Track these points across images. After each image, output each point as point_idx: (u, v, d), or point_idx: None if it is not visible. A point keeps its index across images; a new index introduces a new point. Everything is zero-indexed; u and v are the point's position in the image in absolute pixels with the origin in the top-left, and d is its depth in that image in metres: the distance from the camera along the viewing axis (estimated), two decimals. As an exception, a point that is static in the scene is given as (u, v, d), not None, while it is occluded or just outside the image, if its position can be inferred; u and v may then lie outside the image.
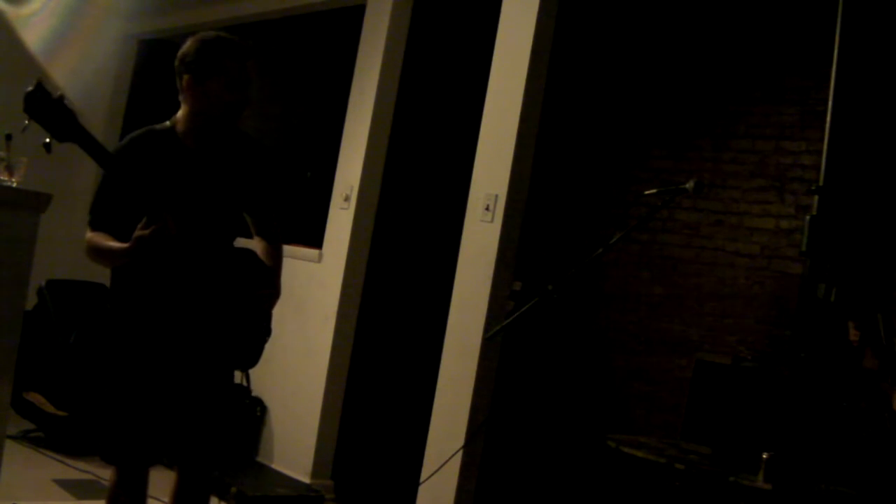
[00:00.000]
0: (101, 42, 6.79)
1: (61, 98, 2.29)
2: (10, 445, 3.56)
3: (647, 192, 3.35)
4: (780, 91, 4.20)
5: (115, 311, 2.66)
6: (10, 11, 6.26)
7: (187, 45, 2.61)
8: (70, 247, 6.69)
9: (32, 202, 2.96)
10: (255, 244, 2.83)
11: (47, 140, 2.30)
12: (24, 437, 4.69)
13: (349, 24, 5.11)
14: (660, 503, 3.30)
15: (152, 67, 6.95)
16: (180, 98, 2.65)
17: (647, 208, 3.95)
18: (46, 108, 2.27)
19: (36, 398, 4.75)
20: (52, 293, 4.99)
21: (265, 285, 2.73)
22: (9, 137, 3.01)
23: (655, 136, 4.64)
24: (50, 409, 4.71)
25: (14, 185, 2.97)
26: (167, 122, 2.65)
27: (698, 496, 3.07)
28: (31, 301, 4.77)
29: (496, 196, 3.98)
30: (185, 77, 2.58)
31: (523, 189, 4.06)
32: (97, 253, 2.56)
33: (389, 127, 4.83)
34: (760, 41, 4.32)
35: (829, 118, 2.87)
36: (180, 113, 2.66)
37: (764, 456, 2.92)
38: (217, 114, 2.61)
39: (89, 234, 2.59)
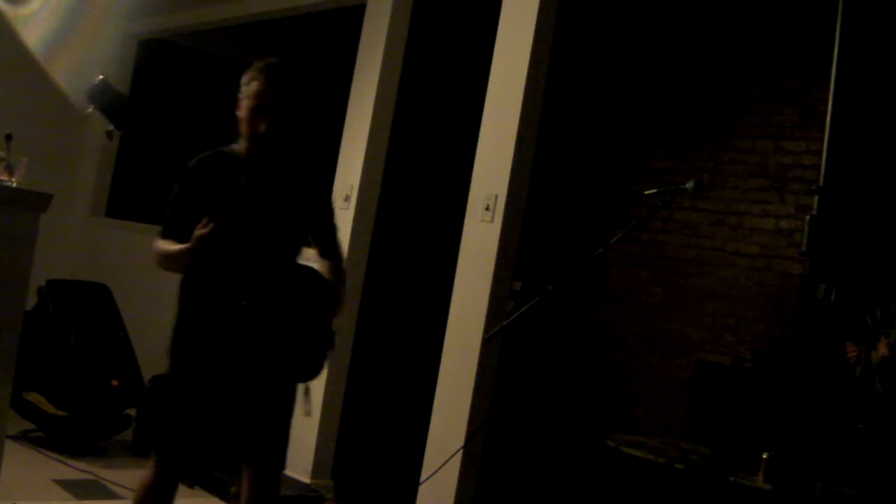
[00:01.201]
0: (101, 42, 6.78)
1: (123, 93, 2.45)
2: (10, 445, 3.55)
3: (647, 192, 3.35)
4: (780, 91, 4.20)
5: (181, 323, 2.76)
6: (10, 11, 6.25)
7: None
8: (70, 247, 6.73)
9: (32, 202, 2.95)
10: (320, 265, 2.88)
11: (110, 128, 2.45)
12: (24, 437, 4.68)
13: (349, 24, 5.11)
14: (660, 503, 3.30)
15: (152, 67, 6.95)
16: None
17: (647, 208, 3.96)
18: (110, 99, 2.42)
19: (36, 398, 4.74)
20: (52, 293, 4.98)
21: (327, 298, 2.77)
22: (9, 137, 3.01)
23: (655, 136, 4.64)
24: (50, 409, 4.70)
25: (14, 185, 2.96)
26: (234, 145, 2.77)
27: (698, 496, 3.07)
28: (31, 301, 4.76)
29: (496, 196, 3.98)
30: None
31: (523, 189, 4.05)
32: (164, 257, 2.72)
33: (389, 127, 4.83)
34: (760, 41, 4.32)
35: (829, 118, 2.87)
36: None
37: (764, 456, 2.92)
38: (247, 134, 2.69)
39: (158, 242, 2.74)
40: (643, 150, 4.67)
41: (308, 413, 2.88)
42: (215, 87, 6.94)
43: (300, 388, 2.87)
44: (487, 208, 3.99)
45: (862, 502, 2.80)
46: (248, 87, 2.68)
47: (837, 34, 2.87)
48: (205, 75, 6.90)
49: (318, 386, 4.69)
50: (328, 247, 2.91)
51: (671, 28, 4.68)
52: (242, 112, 2.68)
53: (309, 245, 2.92)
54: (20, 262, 2.95)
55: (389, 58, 4.76)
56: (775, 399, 3.15)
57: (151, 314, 5.88)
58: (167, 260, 2.73)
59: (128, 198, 7.06)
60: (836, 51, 2.87)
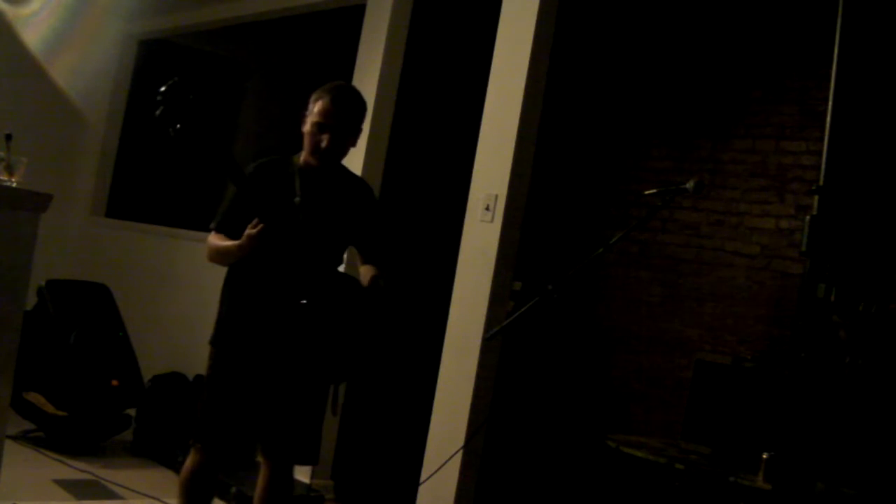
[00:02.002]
0: (101, 42, 6.79)
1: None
2: (10, 445, 3.56)
3: (647, 192, 3.35)
4: (780, 91, 4.20)
5: (227, 315, 2.93)
6: (10, 11, 6.26)
7: None
8: (70, 247, 6.72)
9: (32, 202, 2.95)
10: (362, 270, 3.05)
11: (178, 126, 2.54)
12: (24, 437, 4.69)
13: (349, 24, 5.11)
14: (660, 503, 3.31)
15: (152, 67, 6.95)
16: None
17: (647, 208, 3.95)
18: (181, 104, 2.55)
19: (36, 398, 4.74)
20: (52, 293, 4.98)
21: (369, 299, 2.92)
22: (9, 137, 3.01)
23: (655, 136, 4.64)
24: (50, 409, 4.71)
25: (14, 185, 2.96)
26: (295, 155, 2.99)
27: (698, 496, 3.07)
28: (31, 301, 4.77)
29: (496, 196, 3.98)
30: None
31: (523, 189, 4.05)
32: (215, 251, 2.88)
33: (389, 127, 4.83)
34: (760, 41, 4.32)
35: (829, 118, 2.86)
36: None
37: (764, 456, 2.92)
38: (309, 148, 2.91)
39: (211, 236, 2.91)
40: (643, 150, 4.67)
41: (335, 413, 3.02)
42: (215, 87, 6.96)
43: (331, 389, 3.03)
44: (487, 208, 3.99)
45: (862, 502, 2.80)
46: (315, 104, 2.89)
47: (837, 34, 2.87)
48: (205, 75, 6.90)
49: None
50: (372, 255, 3.09)
51: (671, 28, 4.68)
52: (307, 127, 2.90)
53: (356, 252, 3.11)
54: (20, 262, 2.95)
55: (389, 58, 4.77)
56: (775, 399, 3.15)
57: (151, 314, 5.89)
58: (217, 254, 2.89)
59: (128, 198, 7.07)
60: (836, 51, 2.87)
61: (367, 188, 3.14)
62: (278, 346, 2.83)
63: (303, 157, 2.96)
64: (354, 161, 4.75)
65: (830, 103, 2.86)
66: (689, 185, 3.12)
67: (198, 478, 2.93)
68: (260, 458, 3.04)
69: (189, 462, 2.95)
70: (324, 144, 2.85)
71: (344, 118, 2.88)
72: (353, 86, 3.04)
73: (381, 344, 2.99)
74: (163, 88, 2.50)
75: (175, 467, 4.51)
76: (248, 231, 2.70)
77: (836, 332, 2.90)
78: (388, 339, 3.02)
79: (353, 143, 2.98)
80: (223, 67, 7.04)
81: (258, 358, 2.85)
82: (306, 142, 2.92)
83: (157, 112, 2.51)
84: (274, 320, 2.81)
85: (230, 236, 2.82)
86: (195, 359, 5.06)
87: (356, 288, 2.92)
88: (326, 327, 2.82)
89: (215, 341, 2.94)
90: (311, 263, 2.78)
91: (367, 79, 4.78)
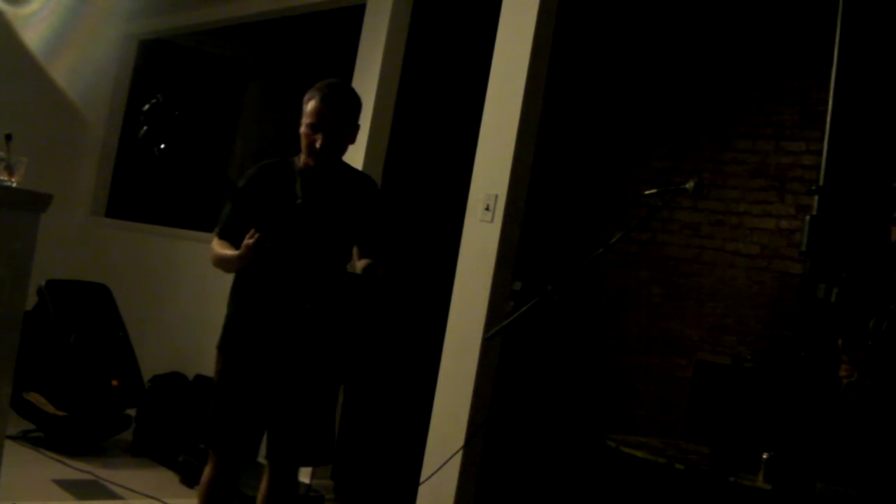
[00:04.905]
0: (101, 42, 6.78)
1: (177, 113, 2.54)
2: (10, 445, 3.55)
3: (647, 192, 3.35)
4: (780, 91, 4.21)
5: (233, 320, 2.92)
6: (10, 11, 6.25)
7: None
8: (70, 247, 6.72)
9: (32, 202, 2.95)
10: (360, 262, 3.03)
11: (162, 146, 2.50)
12: (24, 437, 4.68)
13: (349, 24, 5.11)
14: (660, 503, 3.31)
15: (152, 67, 6.95)
16: None
17: (647, 208, 3.96)
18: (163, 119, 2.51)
19: (36, 398, 4.74)
20: (52, 293, 4.98)
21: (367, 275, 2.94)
22: (9, 137, 3.01)
23: (655, 136, 4.64)
24: (50, 409, 4.70)
25: (14, 185, 2.96)
26: (296, 157, 2.98)
27: (698, 496, 3.07)
28: (31, 301, 4.76)
29: (496, 196, 3.98)
30: None
31: (523, 189, 4.05)
32: (218, 259, 2.89)
33: (389, 127, 4.83)
34: (760, 41, 4.33)
35: (829, 118, 2.86)
36: None
37: (764, 456, 2.92)
38: (304, 149, 2.90)
39: (214, 242, 2.91)
40: (643, 150, 4.68)
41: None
42: (215, 87, 6.97)
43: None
44: (487, 208, 3.99)
45: (862, 502, 2.80)
46: (307, 105, 2.87)
47: (837, 34, 2.86)
48: (205, 75, 6.90)
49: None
50: (370, 249, 3.05)
51: (671, 28, 4.68)
52: (302, 129, 2.88)
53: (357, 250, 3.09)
54: (20, 262, 2.95)
55: (389, 58, 4.76)
56: (775, 399, 3.15)
57: (151, 314, 5.89)
58: (220, 262, 2.89)
59: (128, 198, 7.07)
60: (836, 51, 2.87)
61: (370, 183, 3.11)
62: (286, 350, 2.82)
63: (301, 158, 2.94)
64: (355, 160, 4.75)
65: (830, 103, 2.86)
66: (689, 185, 3.12)
67: (216, 487, 2.89)
68: (263, 460, 3.02)
69: (206, 471, 2.91)
70: (318, 145, 2.84)
71: (336, 117, 2.86)
72: (345, 83, 3.01)
73: (379, 334, 2.98)
74: (146, 107, 2.46)
75: (175, 467, 4.51)
76: (246, 241, 2.68)
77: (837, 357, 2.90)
78: (383, 330, 3.02)
79: (352, 140, 2.95)
80: (223, 67, 7.04)
81: (266, 362, 2.84)
82: (302, 143, 2.90)
83: (141, 132, 2.46)
84: (281, 324, 2.80)
85: (233, 242, 2.80)
86: (195, 359, 5.06)
87: (360, 284, 2.91)
88: (333, 328, 2.81)
89: (222, 346, 2.91)
90: (315, 265, 2.76)
91: (367, 79, 4.78)
